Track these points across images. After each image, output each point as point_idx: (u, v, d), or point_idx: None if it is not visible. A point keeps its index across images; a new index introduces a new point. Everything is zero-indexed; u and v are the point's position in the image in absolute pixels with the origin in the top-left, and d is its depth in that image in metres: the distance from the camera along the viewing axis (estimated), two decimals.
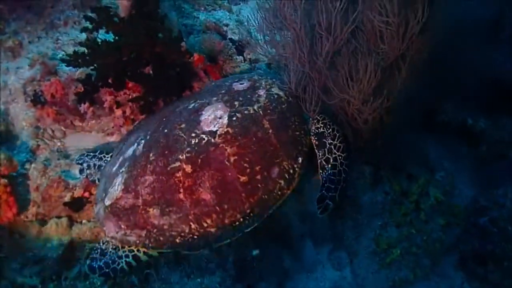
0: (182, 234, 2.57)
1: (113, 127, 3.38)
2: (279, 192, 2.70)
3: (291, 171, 2.74)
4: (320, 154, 2.90)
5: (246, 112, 2.76)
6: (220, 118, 2.73)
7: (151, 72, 3.12)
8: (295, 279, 3.12)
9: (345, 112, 3.01)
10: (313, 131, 2.94)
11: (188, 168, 2.59)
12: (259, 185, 2.65)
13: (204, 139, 2.66)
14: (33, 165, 3.05)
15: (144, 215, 2.59)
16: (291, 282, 3.10)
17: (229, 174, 2.61)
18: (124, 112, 3.24)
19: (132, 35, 2.93)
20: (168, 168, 2.61)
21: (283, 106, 2.87)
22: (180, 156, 2.62)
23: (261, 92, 2.90)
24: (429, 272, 3.19)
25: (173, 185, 2.59)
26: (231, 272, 2.98)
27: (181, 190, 2.58)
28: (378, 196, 3.25)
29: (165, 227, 2.57)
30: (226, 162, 2.62)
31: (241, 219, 2.62)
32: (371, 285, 3.16)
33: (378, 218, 3.22)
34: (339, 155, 2.87)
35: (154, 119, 2.98)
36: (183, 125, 2.74)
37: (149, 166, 2.64)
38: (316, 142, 2.92)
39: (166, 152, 2.66)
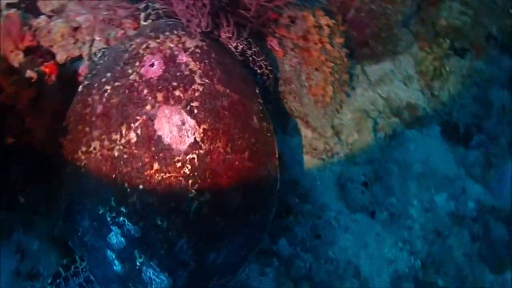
0: (239, 245, 2.30)
1: None
2: (269, 134, 2.48)
3: (261, 107, 2.47)
4: (248, 70, 2.73)
5: (197, 94, 2.15)
6: (183, 123, 2.08)
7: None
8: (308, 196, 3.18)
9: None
10: (237, 54, 2.60)
11: (207, 196, 2.09)
12: (258, 145, 2.36)
13: (194, 158, 2.07)
14: None
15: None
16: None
17: (236, 163, 2.23)
18: None
19: None
20: (191, 217, 2.06)
21: (214, 56, 2.30)
22: (190, 195, 2.05)
23: (183, 58, 2.20)
24: None
25: (205, 224, 2.12)
26: None
27: (217, 219, 2.15)
28: (292, 59, 3.22)
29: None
30: (228, 156, 2.18)
31: (267, 185, 2.42)
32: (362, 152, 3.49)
33: None
34: (261, 60, 2.80)
35: (90, 181, 2.07)
36: (155, 165, 2.03)
37: (170, 233, 2.03)
38: (243, 63, 2.67)
39: (171, 205, 2.03)
